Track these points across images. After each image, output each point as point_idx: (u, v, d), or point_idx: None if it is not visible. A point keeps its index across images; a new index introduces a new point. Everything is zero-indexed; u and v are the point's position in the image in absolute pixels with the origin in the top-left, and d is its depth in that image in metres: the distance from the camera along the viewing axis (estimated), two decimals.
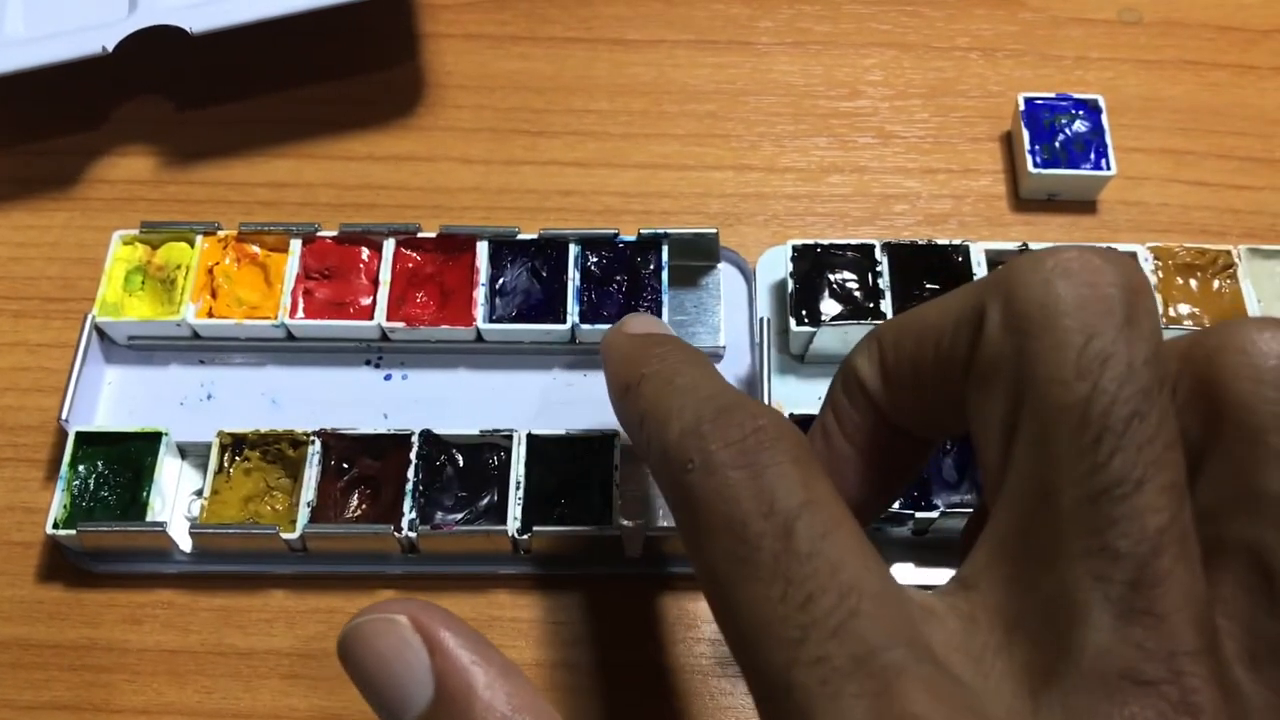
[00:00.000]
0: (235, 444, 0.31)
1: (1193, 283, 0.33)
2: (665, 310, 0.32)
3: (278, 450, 0.31)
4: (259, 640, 0.30)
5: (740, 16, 0.40)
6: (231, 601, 0.30)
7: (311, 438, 0.30)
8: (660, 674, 0.30)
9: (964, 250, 0.33)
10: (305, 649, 0.30)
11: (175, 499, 0.31)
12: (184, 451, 0.32)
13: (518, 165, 0.37)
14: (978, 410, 0.17)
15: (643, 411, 0.20)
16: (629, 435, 0.22)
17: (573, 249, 0.33)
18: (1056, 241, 0.35)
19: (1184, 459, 0.16)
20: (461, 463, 0.30)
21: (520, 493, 0.30)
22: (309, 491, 0.30)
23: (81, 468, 0.30)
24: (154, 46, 0.33)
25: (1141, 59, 0.40)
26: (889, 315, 0.32)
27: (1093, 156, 0.36)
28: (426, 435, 0.30)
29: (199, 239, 0.33)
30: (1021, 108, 0.36)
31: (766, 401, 0.31)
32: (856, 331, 0.31)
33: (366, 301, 0.33)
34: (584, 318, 0.32)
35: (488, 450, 0.30)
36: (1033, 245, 0.33)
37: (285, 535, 0.29)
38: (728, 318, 0.33)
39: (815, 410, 0.26)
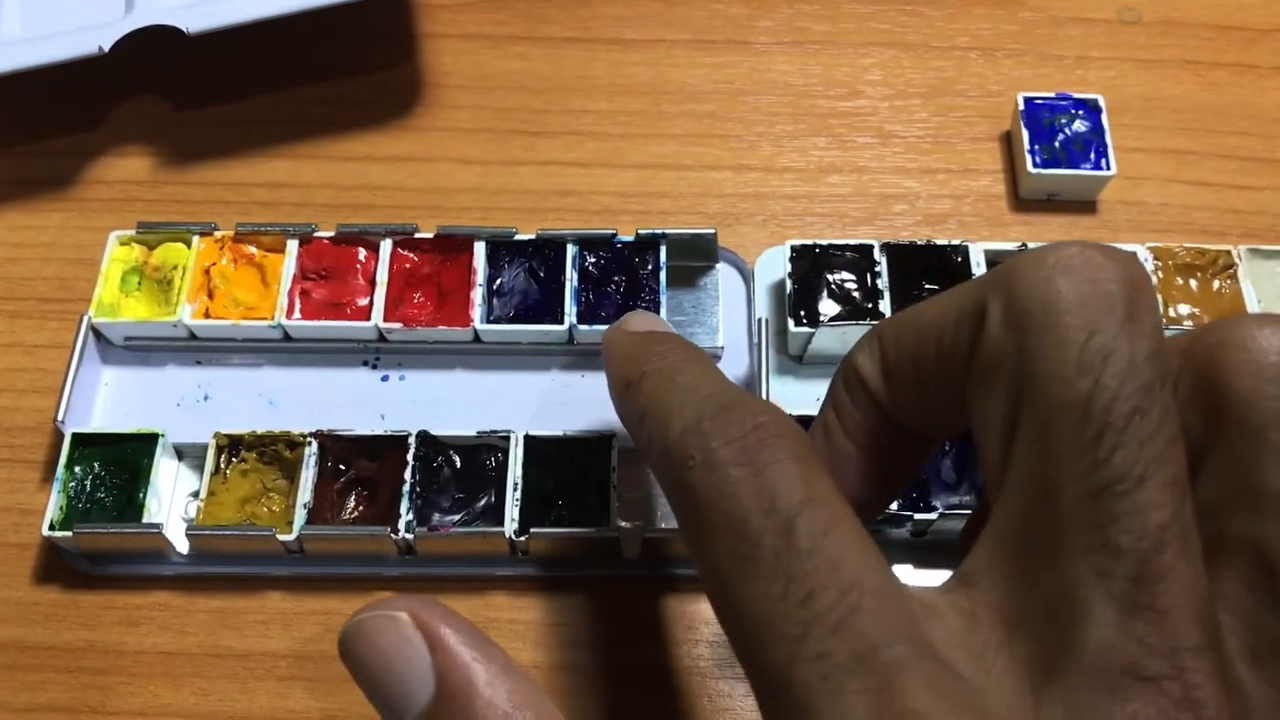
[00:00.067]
0: (232, 445, 0.30)
1: (1193, 283, 0.33)
2: (664, 311, 0.32)
3: (274, 451, 0.30)
4: (255, 642, 0.30)
5: (739, 16, 0.40)
6: (228, 603, 0.30)
7: (308, 439, 0.30)
8: (659, 676, 0.30)
9: (963, 251, 0.32)
10: (302, 650, 0.30)
11: (172, 500, 0.31)
12: (180, 453, 0.32)
13: (516, 165, 0.37)
14: (979, 407, 0.17)
15: (644, 409, 0.20)
16: (630, 433, 0.22)
17: (570, 249, 0.32)
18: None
19: (1185, 455, 0.16)
20: (459, 464, 0.30)
21: (518, 494, 0.29)
22: (306, 493, 0.30)
23: (78, 469, 0.30)
24: (151, 46, 0.33)
25: (1141, 58, 0.39)
26: (888, 316, 0.32)
27: (1093, 156, 0.35)
28: (423, 436, 0.30)
29: (195, 239, 0.33)
30: (1021, 107, 0.36)
31: (759, 398, 0.31)
32: (855, 332, 0.31)
33: (364, 302, 0.32)
34: (582, 318, 0.32)
35: (485, 451, 0.30)
36: (1032, 245, 0.33)
37: (282, 537, 0.29)
38: (726, 318, 0.33)
39: (814, 411, 0.26)
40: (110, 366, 0.33)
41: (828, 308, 0.32)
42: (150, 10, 0.34)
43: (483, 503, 0.30)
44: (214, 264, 0.33)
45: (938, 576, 0.30)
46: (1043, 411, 0.16)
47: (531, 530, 0.29)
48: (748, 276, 0.34)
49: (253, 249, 0.33)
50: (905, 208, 0.36)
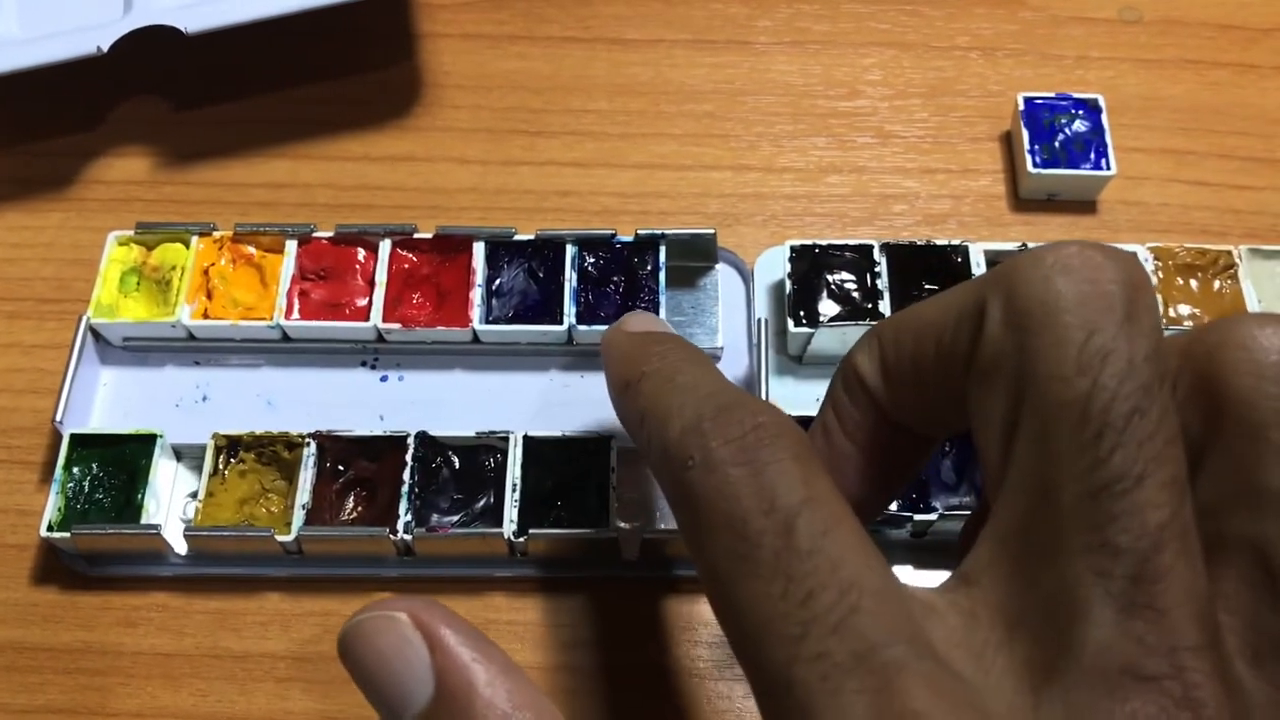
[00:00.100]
0: (230, 446, 0.30)
1: (1193, 283, 0.33)
2: (663, 311, 0.32)
3: (273, 452, 0.30)
4: (254, 643, 0.30)
5: (739, 16, 0.40)
6: (226, 604, 0.30)
7: (307, 440, 0.30)
8: (658, 677, 0.29)
9: (963, 251, 0.32)
10: (300, 652, 0.30)
11: (170, 501, 0.31)
12: (179, 453, 0.32)
13: (515, 165, 0.37)
14: (978, 407, 0.17)
15: (643, 409, 0.20)
16: (629, 433, 0.22)
17: (570, 250, 0.32)
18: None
19: (1185, 455, 0.16)
20: (457, 465, 0.30)
21: (517, 495, 0.29)
22: (304, 494, 0.29)
23: (76, 470, 0.30)
24: (149, 47, 0.33)
25: (1142, 58, 0.39)
26: (887, 316, 0.31)
27: (1093, 156, 0.35)
28: (422, 437, 0.30)
29: (194, 240, 0.33)
30: (1021, 107, 0.36)
31: (758, 398, 0.31)
32: (855, 332, 0.31)
33: (362, 302, 0.32)
34: (581, 319, 0.32)
35: (484, 452, 0.30)
36: (1032, 245, 0.33)
37: (280, 538, 0.29)
38: (725, 319, 0.33)
39: (813, 411, 0.26)
40: (109, 367, 0.33)
41: (827, 308, 0.32)
42: (149, 10, 0.34)
43: (481, 503, 0.30)
44: (213, 264, 0.33)
45: (938, 577, 0.30)
46: (1042, 411, 0.16)
47: (530, 531, 0.29)
48: (747, 277, 0.34)
49: (251, 249, 0.33)
50: (905, 208, 0.36)
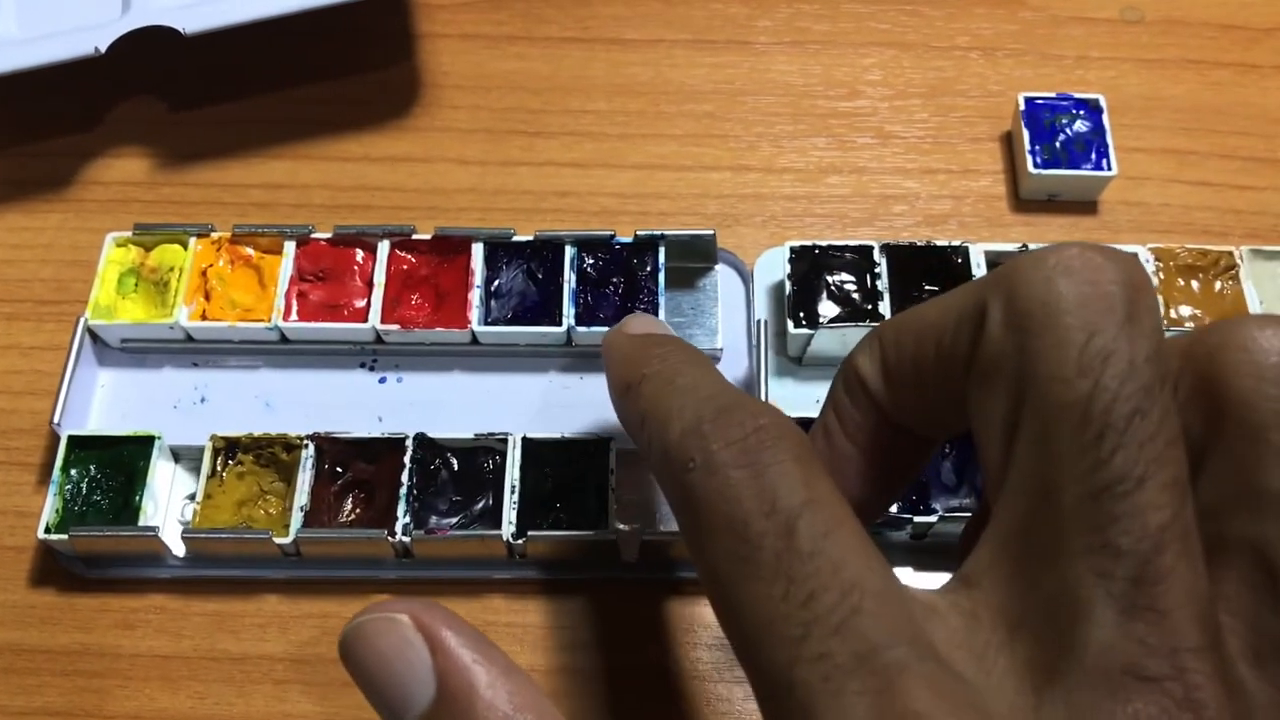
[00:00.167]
0: (228, 448, 0.30)
1: (1194, 284, 0.33)
2: (662, 312, 0.32)
3: (271, 454, 0.30)
4: (252, 645, 0.30)
5: (738, 16, 0.40)
6: (224, 606, 0.30)
7: (305, 441, 0.30)
8: (657, 679, 0.29)
9: (963, 252, 0.32)
10: (299, 654, 0.29)
11: (168, 503, 0.31)
12: (177, 455, 0.31)
13: (514, 166, 0.37)
14: (979, 408, 0.17)
15: (644, 411, 0.20)
16: (630, 435, 0.22)
17: (569, 251, 0.32)
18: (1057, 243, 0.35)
19: (1186, 456, 0.16)
20: (456, 466, 0.30)
21: (515, 497, 0.29)
22: (302, 496, 0.29)
23: (74, 472, 0.30)
24: (147, 47, 0.33)
25: (1143, 58, 0.39)
26: (887, 317, 0.31)
27: (1093, 156, 0.35)
28: (421, 439, 0.30)
29: (192, 241, 0.33)
30: (1022, 107, 0.36)
31: (759, 400, 0.31)
32: (855, 334, 0.31)
33: (361, 304, 0.32)
34: (580, 320, 0.32)
35: (482, 454, 0.30)
36: (1033, 246, 0.33)
37: (278, 540, 0.29)
38: (725, 320, 0.33)
39: (813, 413, 0.26)
40: (107, 368, 0.33)
41: (827, 309, 0.32)
42: (147, 11, 0.34)
43: (480, 505, 0.30)
44: (211, 265, 0.33)
45: (938, 579, 0.30)
46: (1043, 412, 0.16)
47: (529, 533, 0.29)
48: (747, 278, 0.34)
49: (250, 250, 0.33)
50: (905, 208, 0.36)
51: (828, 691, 0.15)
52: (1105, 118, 0.36)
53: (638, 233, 0.33)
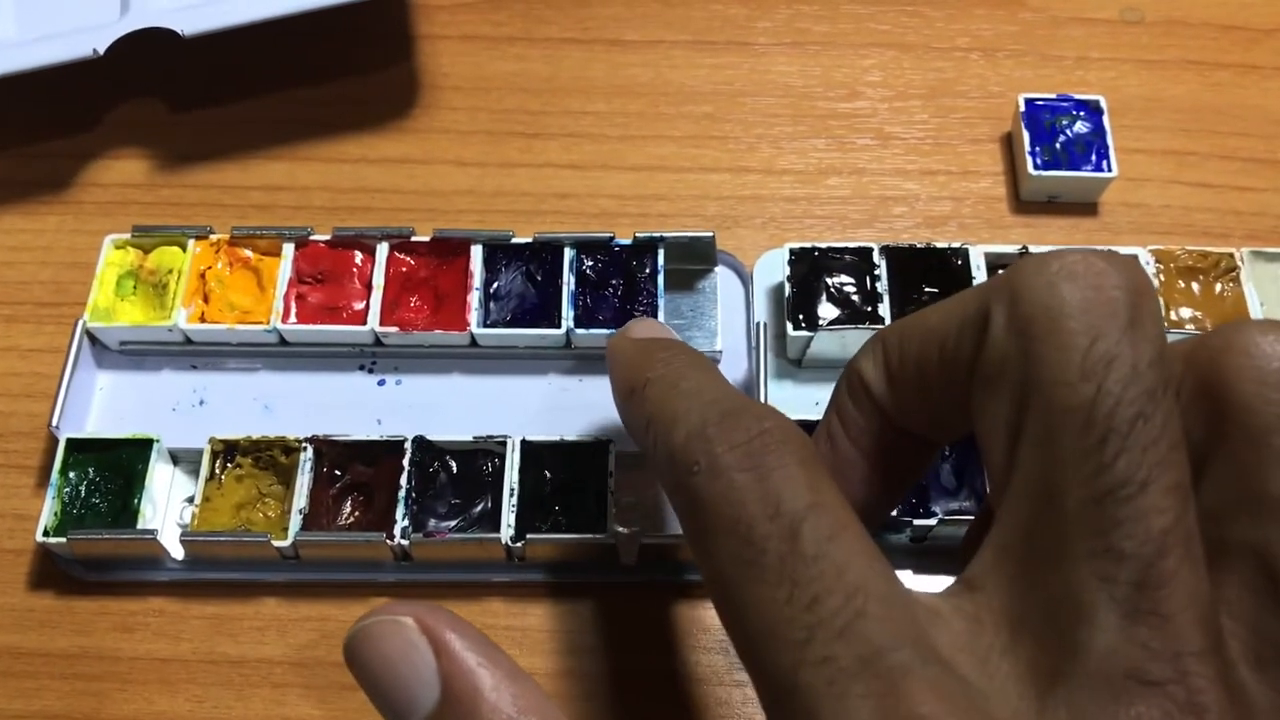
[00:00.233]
0: (227, 450, 0.30)
1: (1195, 286, 0.33)
2: (661, 314, 0.32)
3: (270, 457, 0.30)
4: (251, 648, 0.30)
5: (738, 17, 0.40)
6: (223, 609, 0.30)
7: (304, 444, 0.30)
8: (657, 682, 0.29)
9: (963, 253, 0.32)
10: (297, 657, 0.29)
11: (167, 506, 0.31)
12: (176, 458, 0.31)
13: (513, 168, 0.37)
14: (983, 412, 0.17)
15: (648, 415, 0.20)
16: (634, 439, 0.22)
17: (568, 253, 0.32)
18: (1057, 244, 0.35)
19: (1188, 460, 0.16)
20: (455, 469, 0.30)
21: (514, 499, 0.29)
22: (301, 499, 0.29)
23: (72, 474, 0.30)
24: (146, 49, 0.33)
25: (1143, 59, 0.39)
26: (887, 319, 0.31)
27: (1094, 158, 0.35)
28: (420, 442, 0.30)
29: (191, 243, 0.33)
30: (1022, 109, 0.36)
31: (763, 404, 0.31)
32: (854, 336, 0.31)
33: (360, 306, 0.32)
34: (579, 322, 0.32)
35: (482, 456, 0.30)
36: (1033, 248, 0.33)
37: (277, 543, 0.29)
38: (724, 322, 0.33)
39: (813, 415, 0.26)
40: (105, 371, 0.33)
41: (827, 311, 0.32)
42: (145, 13, 0.34)
43: (479, 508, 0.30)
44: (209, 268, 0.33)
45: (938, 582, 0.30)
46: (1046, 416, 0.16)
47: (528, 536, 0.29)
48: (746, 280, 0.34)
49: (248, 253, 0.33)
50: (905, 210, 0.36)
51: (832, 695, 0.15)
52: (1105, 119, 0.36)
53: (637, 235, 0.33)
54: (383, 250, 0.33)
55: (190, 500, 0.31)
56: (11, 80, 0.33)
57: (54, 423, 0.30)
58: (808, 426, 0.22)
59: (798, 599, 0.16)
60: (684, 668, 0.29)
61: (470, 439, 0.30)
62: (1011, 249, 0.33)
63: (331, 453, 0.30)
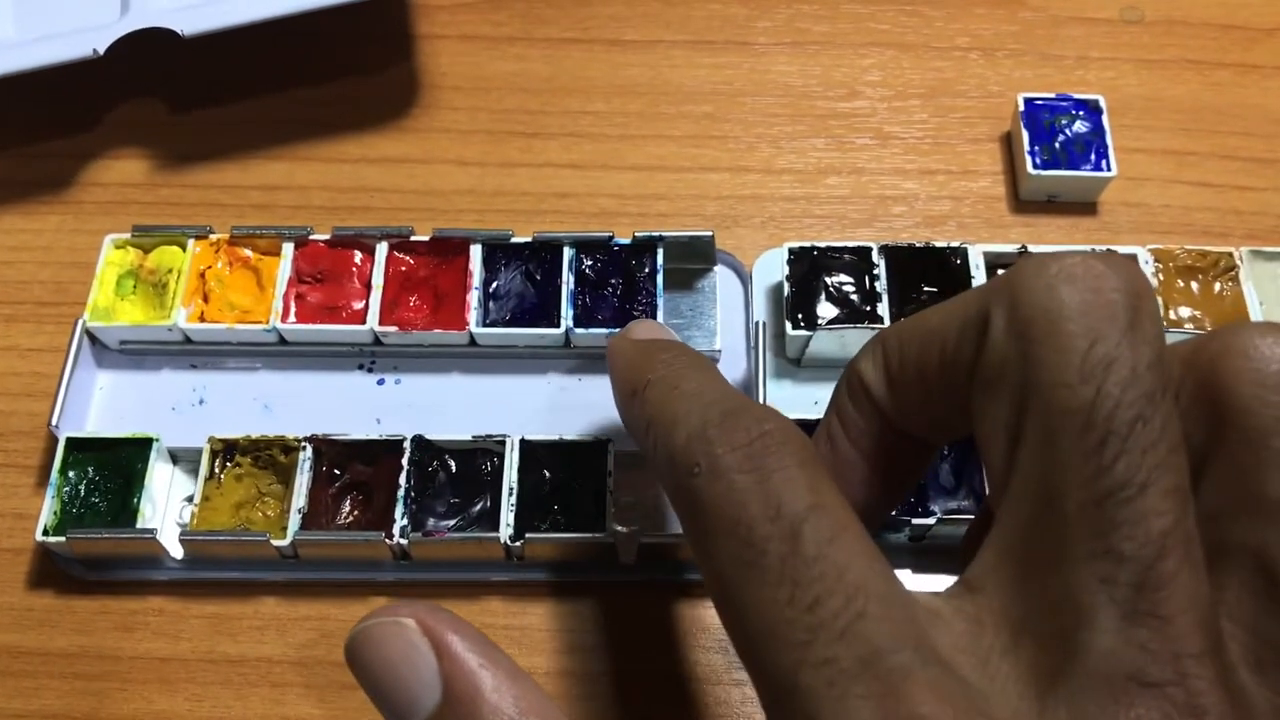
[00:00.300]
0: (226, 450, 0.30)
1: (1194, 285, 0.33)
2: (660, 314, 0.32)
3: (269, 456, 0.30)
4: (250, 648, 0.30)
5: (738, 16, 0.40)
6: (223, 609, 0.30)
7: (303, 443, 0.30)
8: (655, 682, 0.29)
9: (962, 253, 0.32)
10: (297, 656, 0.29)
11: (166, 505, 0.31)
12: (175, 457, 0.31)
13: (513, 167, 0.37)
14: (982, 414, 0.17)
15: (649, 416, 0.21)
16: (635, 440, 0.22)
17: (567, 252, 0.32)
18: (1056, 244, 0.35)
19: (1187, 462, 0.16)
20: (454, 468, 0.30)
21: (513, 499, 0.29)
22: (300, 498, 0.29)
23: (72, 474, 0.30)
24: (146, 49, 0.33)
25: (1143, 58, 0.39)
26: (886, 319, 0.31)
27: (1093, 157, 0.35)
28: (419, 441, 0.30)
29: (190, 243, 0.33)
30: (1021, 108, 0.36)
31: (763, 405, 0.31)
32: (853, 335, 0.31)
33: (359, 305, 0.32)
34: (578, 322, 0.32)
35: (481, 456, 0.30)
36: (1032, 248, 0.33)
37: (276, 542, 0.29)
38: (724, 321, 0.33)
39: (812, 415, 0.26)
40: (105, 370, 0.33)
41: (826, 310, 0.32)
42: (145, 13, 0.34)
43: (478, 507, 0.30)
44: (209, 267, 0.33)
45: (936, 581, 0.30)
46: (1046, 419, 0.16)
47: (527, 535, 0.29)
48: (745, 279, 0.34)
49: (248, 252, 0.33)
50: (904, 209, 0.36)
51: (832, 696, 0.15)
52: (1105, 118, 0.36)
53: (636, 234, 0.33)
54: (382, 250, 0.33)
55: (190, 499, 0.31)
56: (11, 80, 0.33)
57: (54, 422, 0.30)
58: (807, 426, 0.22)
59: (798, 600, 0.16)
60: (683, 667, 0.29)
61: (469, 438, 0.30)
62: (1011, 248, 0.33)
63: (331, 452, 0.30)
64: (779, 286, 0.33)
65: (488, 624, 0.30)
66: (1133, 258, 0.32)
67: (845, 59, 0.39)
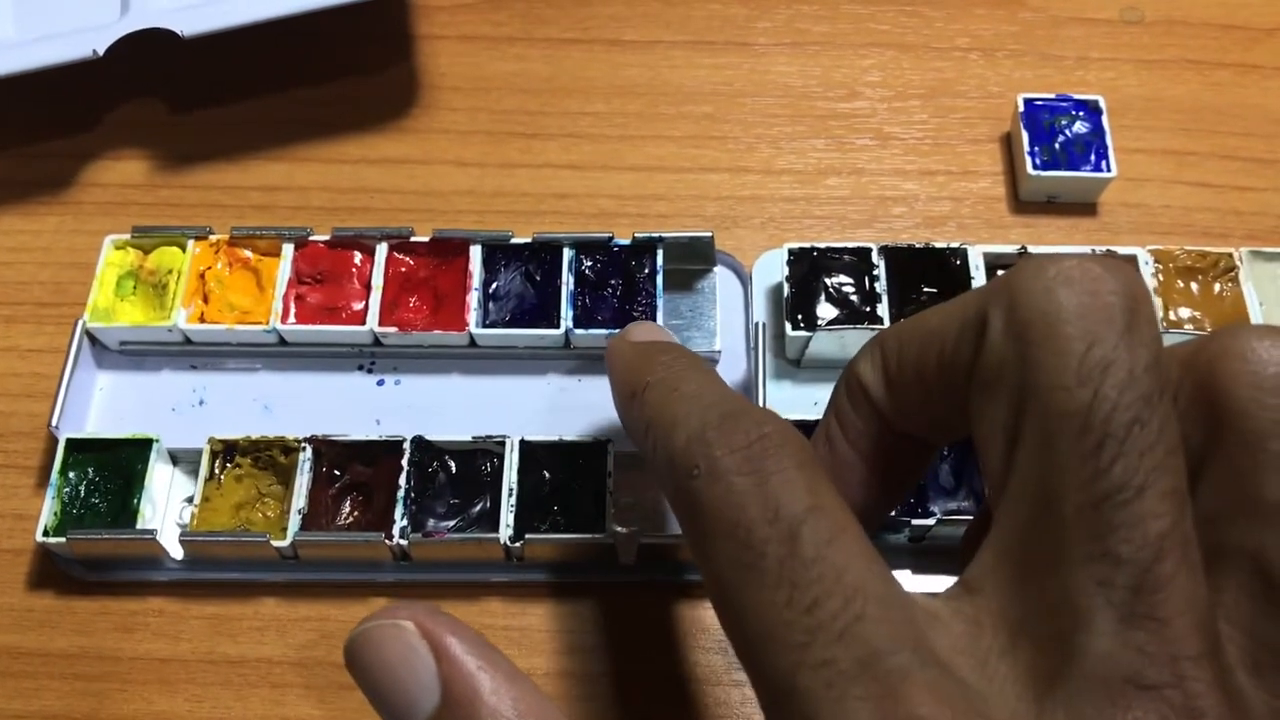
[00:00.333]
0: (226, 450, 0.30)
1: (1194, 286, 0.33)
2: (660, 315, 0.32)
3: (269, 457, 0.30)
4: (250, 648, 0.30)
5: (738, 17, 0.40)
6: (223, 609, 0.30)
7: (303, 444, 0.30)
8: (655, 682, 0.29)
9: (961, 254, 0.32)
10: (297, 657, 0.29)
11: (166, 506, 0.31)
12: (175, 458, 0.31)
13: (512, 168, 0.37)
14: (980, 416, 0.17)
15: (648, 418, 0.21)
16: (634, 442, 0.22)
17: (567, 253, 0.32)
18: (1056, 244, 0.35)
19: (1185, 465, 0.16)
20: (454, 469, 0.30)
21: (513, 500, 0.29)
22: (300, 499, 0.29)
23: (72, 474, 0.30)
24: (146, 49, 0.33)
25: (1143, 59, 0.39)
26: (886, 320, 0.31)
27: (1093, 158, 0.35)
28: (418, 442, 0.30)
29: (190, 243, 0.33)
30: (1021, 109, 0.36)
31: (761, 405, 0.31)
32: (853, 336, 0.31)
33: (359, 306, 0.32)
34: (578, 322, 0.32)
35: (481, 457, 0.30)
36: (1032, 249, 0.33)
37: (276, 543, 0.29)
38: (723, 322, 0.33)
39: (811, 415, 0.26)
40: (105, 371, 0.33)
41: (825, 311, 0.32)
42: (145, 13, 0.34)
43: (478, 508, 0.30)
44: (209, 268, 0.33)
45: (936, 582, 0.30)
46: (1044, 421, 0.16)
47: (527, 536, 0.29)
48: (745, 280, 0.34)
49: (248, 253, 0.33)
50: (904, 210, 0.36)
51: (831, 698, 0.15)
52: (1105, 119, 0.36)
53: (636, 235, 0.33)
54: (382, 250, 0.33)
55: (189, 500, 0.31)
56: (11, 81, 0.33)
57: (54, 423, 0.30)
58: (807, 427, 0.22)
59: (797, 602, 0.16)
60: (683, 668, 0.29)
61: (469, 439, 0.30)
62: (1011, 249, 0.33)
63: (330, 453, 0.30)
64: (779, 287, 0.33)
65: (487, 625, 0.30)
66: (1131, 260, 0.32)
67: (845, 59, 0.39)
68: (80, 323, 0.32)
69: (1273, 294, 0.33)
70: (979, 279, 0.32)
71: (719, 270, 0.34)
